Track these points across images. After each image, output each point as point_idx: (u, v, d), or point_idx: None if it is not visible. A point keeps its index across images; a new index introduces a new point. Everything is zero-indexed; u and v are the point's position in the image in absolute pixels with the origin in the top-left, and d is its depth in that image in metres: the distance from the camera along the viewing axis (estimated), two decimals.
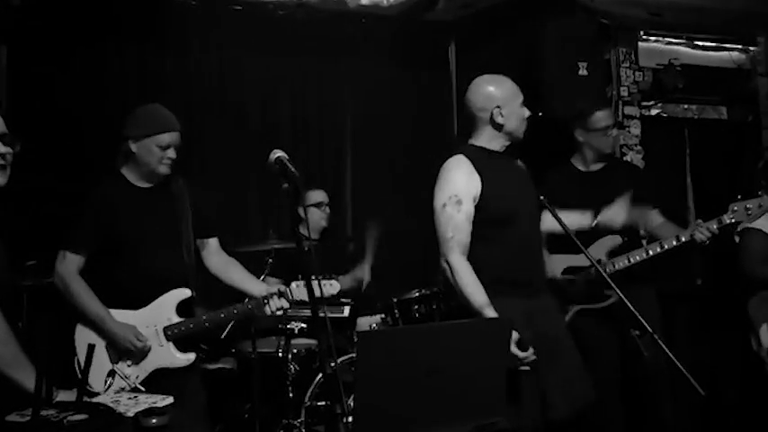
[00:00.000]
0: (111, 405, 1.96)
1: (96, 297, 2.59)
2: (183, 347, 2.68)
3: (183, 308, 2.69)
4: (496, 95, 2.64)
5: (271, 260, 3.59)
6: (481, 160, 2.62)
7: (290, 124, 4.47)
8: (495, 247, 2.59)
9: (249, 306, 2.70)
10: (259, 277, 3.47)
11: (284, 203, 2.05)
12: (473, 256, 2.58)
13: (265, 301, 2.69)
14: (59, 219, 3.49)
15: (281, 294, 2.70)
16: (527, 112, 2.69)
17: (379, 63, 4.61)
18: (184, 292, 2.68)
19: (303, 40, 4.38)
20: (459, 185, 2.58)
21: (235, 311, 2.70)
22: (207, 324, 2.69)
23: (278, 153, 2.10)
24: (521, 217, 2.64)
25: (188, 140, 4.16)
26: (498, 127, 2.65)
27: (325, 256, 3.83)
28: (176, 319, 2.66)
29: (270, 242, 3.58)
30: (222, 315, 2.70)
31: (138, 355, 2.61)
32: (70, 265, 2.61)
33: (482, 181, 2.58)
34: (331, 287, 2.82)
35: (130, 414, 1.88)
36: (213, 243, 2.87)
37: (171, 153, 2.66)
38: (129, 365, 2.62)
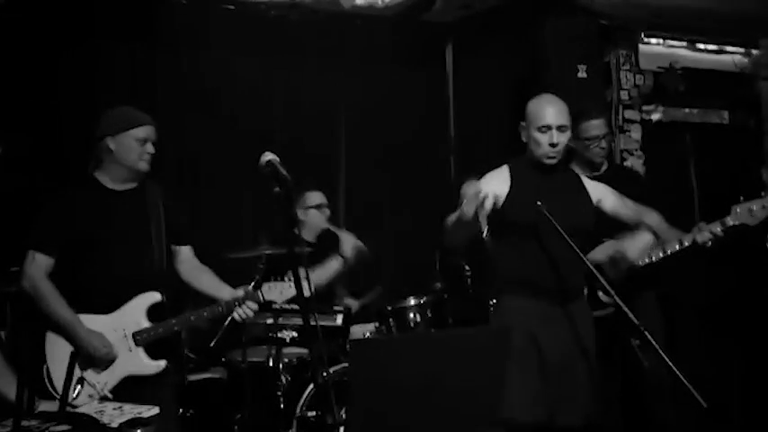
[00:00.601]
0: (94, 416, 1.92)
1: (64, 301, 2.54)
2: (154, 354, 2.63)
3: (153, 313, 2.64)
4: (526, 113, 2.72)
5: (262, 266, 3.53)
6: (520, 169, 2.74)
7: (282, 126, 4.43)
8: (520, 250, 2.69)
9: (219, 308, 2.69)
10: (250, 282, 3.42)
11: (276, 207, 1.98)
12: (500, 255, 2.72)
13: (236, 303, 2.68)
14: None
15: (246, 297, 2.68)
16: (543, 139, 2.67)
17: (374, 64, 4.58)
18: (154, 296, 2.64)
19: (296, 41, 4.33)
20: (485, 182, 2.70)
21: (204, 314, 2.68)
22: (176, 327, 2.66)
23: (269, 156, 2.07)
24: (545, 229, 2.66)
25: (178, 142, 4.17)
26: (525, 143, 2.75)
27: (322, 260, 3.76)
28: (146, 324, 2.61)
29: (261, 248, 3.52)
30: (192, 317, 2.67)
31: (102, 362, 2.55)
32: (39, 266, 2.57)
33: (511, 185, 2.70)
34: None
35: (115, 425, 1.86)
36: (186, 251, 2.84)
37: (149, 148, 2.65)
38: (97, 372, 2.56)
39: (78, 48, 3.93)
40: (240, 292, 2.70)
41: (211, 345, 3.47)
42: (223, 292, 2.72)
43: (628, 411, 3.39)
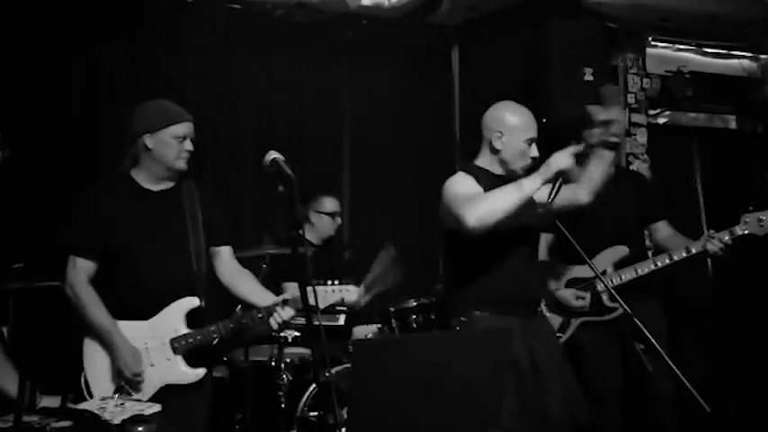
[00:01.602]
0: (96, 412, 1.92)
1: (105, 309, 2.47)
2: (193, 362, 2.54)
3: (192, 318, 2.54)
4: (504, 121, 2.64)
5: (265, 266, 3.52)
6: (481, 179, 2.62)
7: (287, 127, 4.42)
8: (495, 266, 2.60)
9: (260, 315, 2.57)
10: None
11: (280, 206, 1.97)
12: (474, 274, 2.60)
13: (273, 310, 2.57)
14: (47, 221, 3.47)
15: (285, 303, 2.57)
16: (533, 152, 2.64)
17: (379, 66, 4.57)
18: (192, 302, 2.53)
19: (302, 41, 4.33)
20: (466, 182, 2.60)
21: (244, 321, 2.57)
22: (215, 335, 2.55)
23: (273, 155, 2.06)
24: (517, 238, 2.62)
25: None
26: (495, 151, 2.66)
27: (324, 264, 3.76)
28: (184, 330, 2.52)
29: (265, 247, 3.51)
30: (231, 325, 2.56)
31: (129, 381, 2.45)
32: (81, 271, 2.48)
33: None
34: (348, 293, 2.70)
35: (116, 422, 1.85)
36: (226, 251, 2.71)
37: (188, 145, 2.54)
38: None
39: (81, 47, 3.92)
40: (280, 299, 2.58)
41: (213, 343, 3.45)
42: (261, 298, 2.61)
43: (629, 417, 3.37)
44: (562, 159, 2.40)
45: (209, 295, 2.61)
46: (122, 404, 2.06)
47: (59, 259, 2.52)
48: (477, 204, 2.42)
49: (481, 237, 2.46)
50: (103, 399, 2.36)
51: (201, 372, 2.52)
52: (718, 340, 4.21)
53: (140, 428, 1.73)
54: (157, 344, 2.49)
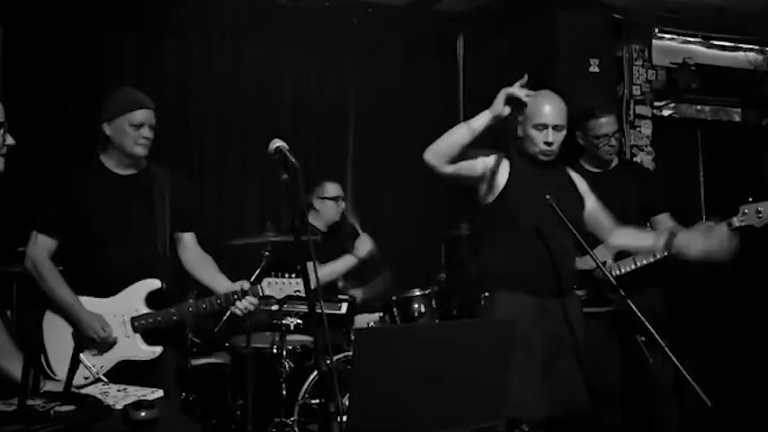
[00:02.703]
0: (99, 397, 1.93)
1: (65, 283, 2.55)
2: (151, 340, 2.62)
3: (153, 299, 2.63)
4: (526, 109, 2.71)
5: (268, 253, 3.53)
6: (516, 161, 2.73)
7: (291, 115, 4.41)
8: (516, 244, 2.68)
9: (217, 301, 2.66)
10: (255, 270, 3.42)
11: (284, 195, 1.97)
12: (494, 250, 2.73)
13: (236, 297, 2.65)
14: None
15: (245, 293, 2.65)
16: (538, 137, 2.68)
17: (384, 53, 4.55)
18: (154, 283, 2.62)
19: (307, 29, 4.31)
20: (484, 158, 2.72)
21: (203, 306, 2.65)
22: (175, 317, 2.63)
23: (278, 143, 2.05)
24: (542, 223, 2.67)
25: (187, 129, 4.16)
26: (518, 137, 2.76)
27: (327, 251, 3.77)
28: (144, 311, 2.61)
29: (267, 235, 3.52)
30: (190, 309, 2.65)
31: (102, 345, 2.55)
32: (41, 247, 2.57)
33: (510, 176, 2.70)
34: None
35: (119, 406, 1.85)
36: (189, 238, 2.80)
37: (145, 132, 2.59)
38: (93, 355, 2.57)
39: (87, 35, 3.92)
40: (237, 286, 2.67)
41: (215, 330, 3.47)
42: (221, 285, 2.69)
43: (630, 410, 3.38)
44: (505, 93, 2.52)
45: (171, 278, 2.68)
46: (125, 389, 2.07)
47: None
48: (433, 144, 2.65)
49: (497, 219, 2.62)
50: (105, 383, 2.41)
51: (158, 350, 2.61)
52: (720, 334, 4.21)
53: (143, 413, 1.74)
54: (118, 321, 2.58)
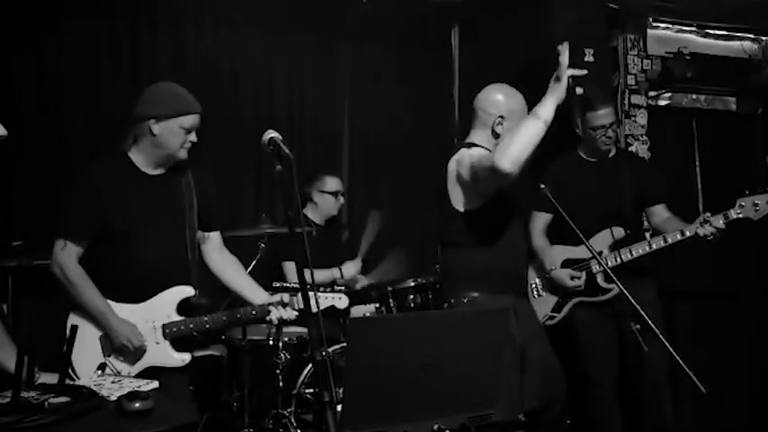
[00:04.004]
0: (93, 388, 1.92)
1: (97, 289, 2.47)
2: (178, 347, 2.59)
3: (183, 306, 2.58)
4: (505, 106, 2.68)
5: (263, 245, 3.53)
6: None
7: (285, 106, 4.39)
8: (495, 244, 2.66)
9: (253, 312, 2.62)
10: (251, 262, 3.42)
11: (278, 185, 1.97)
12: (475, 251, 2.66)
13: (269, 308, 2.62)
14: (46, 198, 3.46)
15: (284, 305, 2.62)
16: None
17: (379, 44, 4.52)
18: (187, 291, 2.57)
19: (302, 19, 4.28)
20: (484, 153, 2.59)
21: (238, 316, 2.62)
22: (208, 326, 2.58)
23: (271, 134, 2.04)
24: (515, 219, 2.72)
25: None
26: (495, 136, 2.69)
27: (324, 245, 3.77)
28: (176, 318, 2.56)
29: (263, 227, 3.51)
30: (224, 318, 2.61)
31: (133, 354, 2.51)
32: (70, 253, 2.47)
33: None
34: (340, 300, 2.77)
35: (113, 398, 1.84)
36: (215, 238, 2.72)
37: (193, 137, 2.54)
38: (121, 360, 2.53)
39: (80, 25, 3.88)
40: (276, 299, 2.62)
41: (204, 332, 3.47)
42: (253, 295, 2.64)
43: (626, 397, 3.39)
44: (569, 73, 2.38)
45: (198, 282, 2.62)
46: (119, 380, 2.06)
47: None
48: (503, 148, 2.38)
49: (484, 215, 2.53)
50: (100, 375, 2.40)
51: (188, 357, 2.58)
52: (715, 324, 4.22)
53: (137, 404, 1.73)
54: (149, 327, 2.53)
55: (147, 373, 2.50)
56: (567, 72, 2.38)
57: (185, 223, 2.57)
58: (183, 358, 2.57)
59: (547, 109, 2.39)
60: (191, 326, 2.56)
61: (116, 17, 3.97)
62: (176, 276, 2.55)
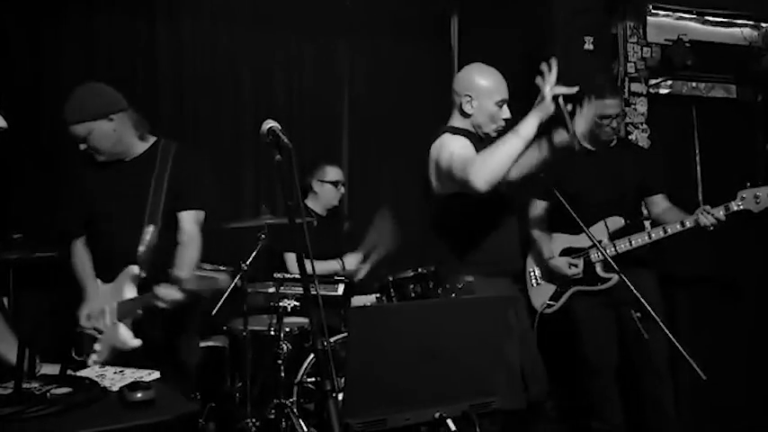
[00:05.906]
0: (95, 379, 1.93)
1: (88, 264, 2.67)
2: (139, 334, 2.52)
3: (139, 287, 2.57)
4: (473, 84, 2.65)
5: (263, 236, 3.53)
6: (474, 140, 2.62)
7: (285, 98, 4.39)
8: (494, 231, 2.65)
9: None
10: (251, 253, 3.42)
11: (277, 175, 1.96)
12: (469, 239, 2.64)
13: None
14: (46, 192, 3.46)
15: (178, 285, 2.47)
16: (504, 114, 2.65)
17: (378, 35, 4.50)
18: (133, 270, 2.56)
19: (301, 11, 4.26)
20: (461, 143, 2.55)
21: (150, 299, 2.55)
22: (153, 300, 2.45)
23: (270, 123, 2.04)
24: (504, 201, 2.68)
25: (180, 113, 4.13)
26: (466, 115, 2.68)
27: (325, 235, 3.77)
28: (128, 296, 2.56)
29: (262, 218, 3.51)
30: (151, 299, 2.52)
31: (92, 334, 2.58)
32: (78, 243, 2.74)
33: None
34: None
35: (115, 388, 1.85)
36: (184, 217, 2.67)
37: (83, 146, 2.62)
38: (97, 342, 2.59)
39: (79, 18, 3.87)
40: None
41: (213, 313, 3.48)
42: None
43: (626, 385, 3.40)
44: (553, 92, 2.32)
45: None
46: (122, 371, 2.07)
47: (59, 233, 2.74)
48: (481, 165, 2.35)
49: (475, 202, 2.48)
50: (102, 366, 2.40)
51: (135, 342, 2.50)
52: (716, 312, 4.22)
53: (139, 395, 1.73)
54: (112, 308, 2.57)
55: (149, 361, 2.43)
56: (553, 90, 2.33)
57: (145, 205, 2.60)
58: (133, 343, 2.49)
59: (527, 127, 2.34)
60: (134, 304, 2.50)
61: (114, 9, 3.96)
62: (131, 258, 2.57)
